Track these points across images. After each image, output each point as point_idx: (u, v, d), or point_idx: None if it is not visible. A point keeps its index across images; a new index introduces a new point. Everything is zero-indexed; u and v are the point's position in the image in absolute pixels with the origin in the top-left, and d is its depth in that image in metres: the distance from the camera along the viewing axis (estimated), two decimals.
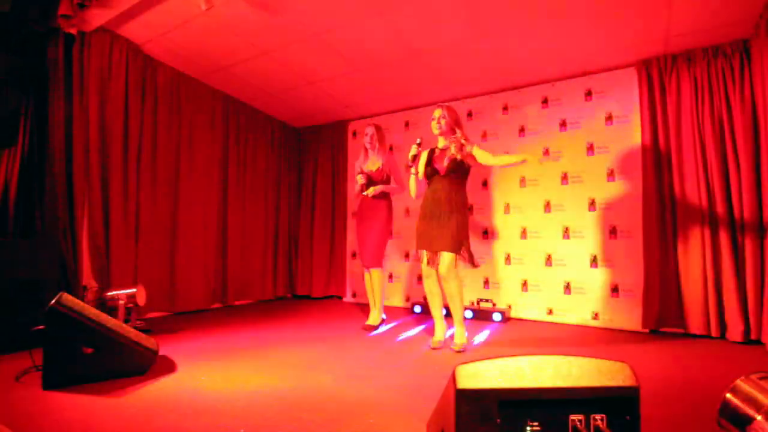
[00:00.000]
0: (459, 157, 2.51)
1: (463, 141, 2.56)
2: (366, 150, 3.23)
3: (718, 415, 1.04)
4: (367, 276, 3.25)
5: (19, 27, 2.80)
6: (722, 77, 2.99)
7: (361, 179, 3.15)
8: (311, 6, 2.78)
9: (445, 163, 2.54)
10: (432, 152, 2.69)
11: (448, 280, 2.46)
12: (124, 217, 3.25)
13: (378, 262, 3.13)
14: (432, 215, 2.54)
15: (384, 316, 3.32)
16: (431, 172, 2.60)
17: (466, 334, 2.57)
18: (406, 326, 3.28)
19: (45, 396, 1.62)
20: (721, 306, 2.89)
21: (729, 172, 2.92)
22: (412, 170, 2.65)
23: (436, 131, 2.62)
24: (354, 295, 4.80)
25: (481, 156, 2.57)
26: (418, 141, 2.62)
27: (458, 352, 2.41)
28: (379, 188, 3.10)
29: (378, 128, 3.20)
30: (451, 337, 2.59)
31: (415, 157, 2.62)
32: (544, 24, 2.91)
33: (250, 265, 4.59)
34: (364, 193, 3.15)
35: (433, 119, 2.63)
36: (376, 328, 3.09)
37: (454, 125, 2.59)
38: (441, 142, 2.66)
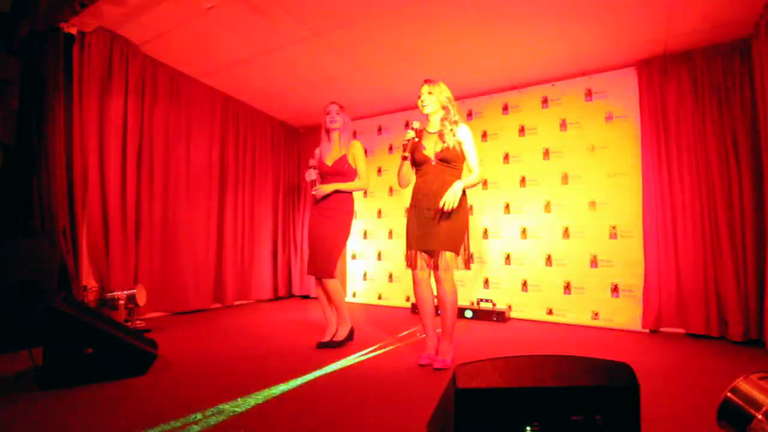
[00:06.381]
0: (452, 145, 2.16)
1: (452, 127, 2.20)
2: (328, 132, 2.67)
3: (718, 414, 1.04)
4: (319, 287, 2.66)
5: (19, 27, 2.80)
6: (722, 77, 2.99)
7: (311, 175, 2.63)
8: (311, 6, 2.78)
9: (437, 150, 2.18)
10: (420, 134, 2.29)
11: (445, 285, 2.11)
12: (124, 216, 3.25)
13: (330, 271, 2.57)
14: (425, 210, 2.18)
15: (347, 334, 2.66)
16: (421, 158, 2.24)
17: (453, 349, 2.21)
18: (406, 326, 3.28)
19: (45, 396, 1.62)
20: (721, 306, 2.89)
21: (729, 172, 2.92)
22: (406, 153, 2.22)
23: (424, 111, 2.26)
24: (354, 295, 4.80)
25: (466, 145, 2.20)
26: (416, 126, 2.22)
27: (438, 369, 2.07)
28: (331, 188, 2.56)
29: (342, 107, 2.67)
30: (437, 352, 2.21)
31: (412, 142, 2.22)
32: (544, 24, 2.91)
33: (250, 265, 4.59)
34: (313, 192, 2.62)
35: (419, 97, 2.26)
36: (343, 344, 2.59)
37: (443, 102, 2.22)
38: (430, 124, 2.30)
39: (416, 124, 2.22)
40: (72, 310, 1.75)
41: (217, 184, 4.18)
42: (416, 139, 2.22)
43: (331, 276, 2.58)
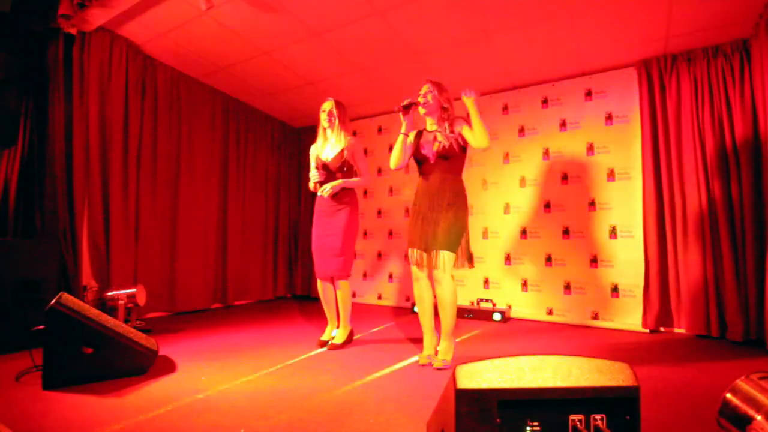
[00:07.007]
0: (448, 145, 2.19)
1: (447, 125, 2.25)
2: (324, 130, 2.65)
3: (718, 415, 1.04)
4: (321, 286, 2.62)
5: (19, 27, 2.80)
6: (722, 77, 2.99)
7: (316, 176, 2.56)
8: (311, 6, 2.78)
9: (435, 148, 2.21)
10: (420, 134, 2.34)
11: (442, 284, 2.11)
12: (124, 216, 3.25)
13: (346, 271, 2.55)
14: (425, 209, 2.21)
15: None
16: (421, 158, 2.28)
17: (453, 349, 2.20)
18: (405, 326, 3.28)
19: (45, 396, 1.62)
20: (721, 306, 2.89)
21: (729, 172, 2.92)
22: (402, 130, 2.28)
23: (422, 111, 2.29)
24: (354, 295, 4.80)
25: (470, 137, 2.22)
26: (405, 102, 2.27)
27: (439, 369, 2.06)
28: (337, 185, 2.50)
29: (339, 104, 2.64)
30: (436, 352, 2.21)
31: (409, 108, 2.25)
32: (544, 24, 2.91)
33: (250, 265, 4.59)
34: (319, 193, 2.59)
35: (419, 96, 2.32)
36: (342, 347, 2.51)
37: (443, 103, 2.27)
38: (429, 124, 2.33)
39: (405, 102, 2.25)
40: (72, 310, 1.75)
41: (217, 184, 4.19)
42: (412, 105, 2.28)
43: (348, 276, 2.55)
